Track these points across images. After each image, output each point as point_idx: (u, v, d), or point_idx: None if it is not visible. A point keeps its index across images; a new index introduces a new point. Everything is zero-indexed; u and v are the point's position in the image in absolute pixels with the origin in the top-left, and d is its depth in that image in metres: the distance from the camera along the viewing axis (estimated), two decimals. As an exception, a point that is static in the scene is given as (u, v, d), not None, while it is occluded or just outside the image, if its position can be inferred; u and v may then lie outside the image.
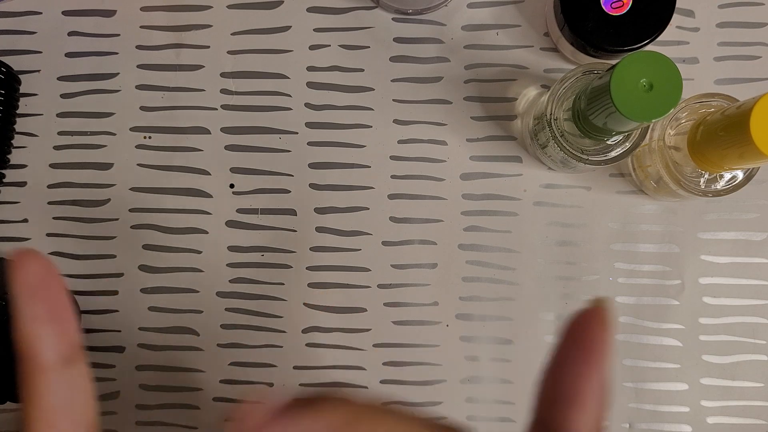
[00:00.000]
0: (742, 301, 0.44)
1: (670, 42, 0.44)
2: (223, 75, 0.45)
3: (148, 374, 0.45)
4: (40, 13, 0.45)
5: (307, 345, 0.44)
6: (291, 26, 0.45)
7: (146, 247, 0.45)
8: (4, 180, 0.45)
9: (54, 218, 0.45)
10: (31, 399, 0.23)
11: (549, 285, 0.44)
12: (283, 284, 0.45)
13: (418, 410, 0.41)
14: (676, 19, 0.43)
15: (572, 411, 0.19)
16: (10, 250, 0.45)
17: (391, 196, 0.44)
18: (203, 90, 0.45)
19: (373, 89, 0.45)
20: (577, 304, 0.44)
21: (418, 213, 0.44)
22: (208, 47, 0.45)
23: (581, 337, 0.20)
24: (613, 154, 0.37)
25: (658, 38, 0.40)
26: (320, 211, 0.45)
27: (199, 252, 0.45)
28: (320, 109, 0.45)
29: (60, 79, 0.45)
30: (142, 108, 0.45)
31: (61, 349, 0.23)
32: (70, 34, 0.45)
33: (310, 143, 0.45)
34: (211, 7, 0.45)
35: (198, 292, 0.45)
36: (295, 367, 0.45)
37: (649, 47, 0.40)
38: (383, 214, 0.44)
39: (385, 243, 0.44)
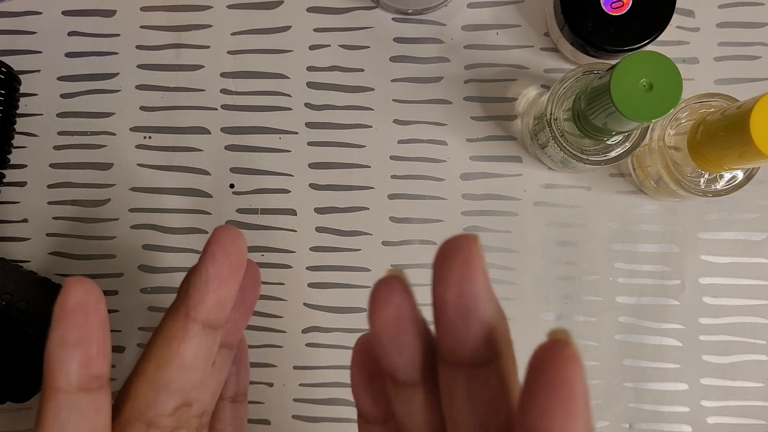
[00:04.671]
0: (742, 301, 0.44)
1: (670, 42, 0.44)
2: (223, 75, 0.45)
3: (148, 374, 0.45)
4: (40, 13, 0.45)
5: (307, 345, 0.44)
6: (291, 26, 0.45)
7: (146, 247, 0.45)
8: (4, 180, 0.45)
9: (54, 218, 0.45)
10: (40, 419, 0.23)
11: (549, 285, 0.44)
12: (283, 284, 0.44)
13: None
14: (676, 19, 0.43)
15: None
16: (9, 250, 0.45)
17: (391, 196, 0.44)
18: (203, 90, 0.45)
19: (373, 89, 0.45)
20: (577, 304, 0.44)
21: (418, 213, 0.44)
22: (208, 47, 0.45)
23: (553, 380, 0.17)
24: (613, 154, 0.37)
25: (658, 38, 0.40)
26: (320, 211, 0.45)
27: (199, 252, 0.44)
28: (320, 109, 0.45)
29: (60, 79, 0.45)
30: (142, 108, 0.45)
31: (80, 376, 0.23)
32: (70, 34, 0.45)
33: (310, 143, 0.45)
34: (211, 7, 0.45)
35: (198, 292, 0.45)
36: (295, 367, 0.45)
37: (649, 47, 0.40)
38: (383, 214, 0.44)
39: (385, 243, 0.44)
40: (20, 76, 0.45)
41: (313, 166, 0.45)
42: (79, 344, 0.23)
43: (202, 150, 0.45)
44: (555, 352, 0.17)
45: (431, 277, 0.20)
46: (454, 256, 0.19)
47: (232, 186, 0.45)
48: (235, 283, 0.27)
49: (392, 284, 0.21)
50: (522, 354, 0.44)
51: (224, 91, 0.45)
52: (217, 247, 0.26)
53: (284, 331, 0.45)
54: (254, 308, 0.31)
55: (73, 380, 0.23)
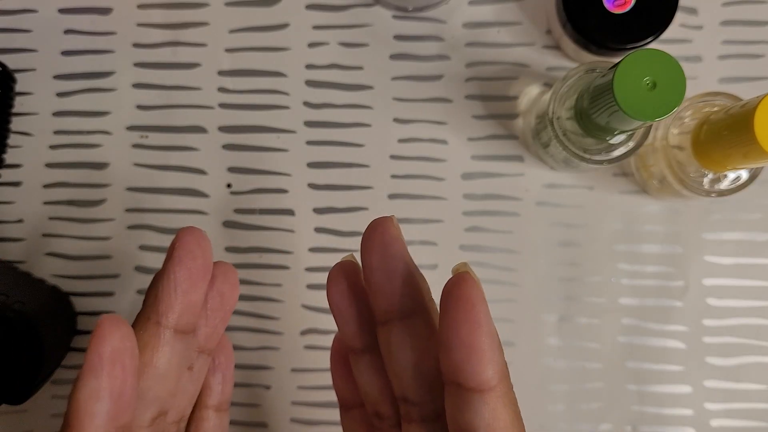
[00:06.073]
0: (747, 302, 0.43)
1: (674, 40, 0.43)
2: (221, 73, 0.44)
3: (145, 376, 0.44)
4: (36, 11, 0.45)
5: (306, 347, 0.44)
6: (289, 24, 0.44)
7: (142, 247, 0.44)
8: (0, 180, 0.44)
9: (50, 219, 0.44)
10: None
11: (551, 286, 0.44)
12: (281, 285, 0.44)
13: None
14: (679, 17, 0.43)
15: (473, 361, 0.21)
16: (4, 251, 0.44)
17: (391, 196, 0.44)
18: (200, 89, 0.44)
19: (373, 87, 0.44)
20: (579, 305, 0.43)
21: (418, 213, 0.44)
22: (206, 45, 0.44)
23: (457, 298, 0.21)
24: (616, 153, 0.36)
25: (662, 36, 0.39)
26: (319, 211, 0.44)
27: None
28: (319, 107, 0.44)
29: (56, 77, 0.45)
30: (139, 107, 0.44)
31: (107, 429, 0.22)
32: (66, 32, 0.45)
33: (308, 142, 0.44)
34: (208, 4, 0.44)
35: (195, 293, 0.44)
36: (293, 370, 0.44)
37: (652, 45, 0.40)
38: (383, 214, 0.44)
39: (384, 243, 0.44)
40: (15, 74, 0.44)
41: (311, 165, 0.44)
42: (112, 397, 0.22)
43: (198, 149, 0.44)
44: (456, 278, 0.21)
45: (360, 253, 0.24)
46: (374, 230, 0.24)
47: (229, 186, 0.44)
48: (203, 286, 0.27)
49: (345, 264, 0.26)
50: (524, 358, 0.44)
51: (221, 90, 0.44)
52: (182, 251, 0.26)
53: (282, 333, 0.44)
54: (232, 312, 0.31)
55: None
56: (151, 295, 0.26)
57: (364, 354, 0.26)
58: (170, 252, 0.26)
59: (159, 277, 0.26)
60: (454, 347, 0.21)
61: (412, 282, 0.24)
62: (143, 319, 0.26)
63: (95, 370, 0.22)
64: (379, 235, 0.23)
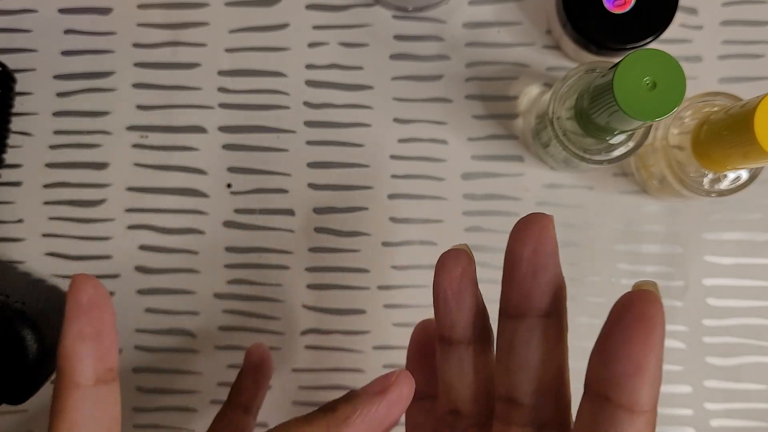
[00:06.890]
0: (747, 302, 0.43)
1: (674, 40, 0.43)
2: (221, 73, 0.44)
3: (145, 376, 0.44)
4: (36, 11, 0.45)
5: (306, 347, 0.44)
6: (289, 24, 0.44)
7: (142, 247, 0.44)
8: (0, 180, 0.44)
9: (50, 218, 0.44)
10: (59, 413, 0.24)
11: (550, 286, 0.44)
12: (281, 285, 0.44)
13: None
14: (679, 17, 0.43)
15: (636, 380, 0.20)
16: (5, 251, 0.44)
17: (391, 196, 0.44)
18: (200, 89, 0.44)
19: (373, 87, 0.44)
20: (579, 305, 0.43)
21: (418, 213, 0.44)
22: (206, 45, 0.44)
23: (639, 316, 0.20)
24: (616, 153, 0.36)
25: (662, 36, 0.39)
26: (319, 211, 0.44)
27: (196, 253, 0.44)
28: (319, 107, 0.44)
29: (56, 77, 0.45)
30: (139, 107, 0.44)
31: (96, 369, 0.24)
32: (66, 32, 0.45)
33: (308, 142, 0.44)
34: (208, 4, 0.44)
35: (195, 293, 0.44)
36: (293, 370, 0.44)
37: (652, 45, 0.40)
38: (383, 214, 0.44)
39: (384, 244, 0.44)
40: (15, 74, 0.44)
41: (311, 165, 0.44)
42: (95, 338, 0.24)
43: (198, 149, 0.44)
44: (641, 295, 0.20)
45: (508, 239, 0.23)
46: (533, 223, 0.23)
47: (229, 186, 0.44)
48: (265, 386, 0.40)
49: (460, 251, 0.25)
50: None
51: (221, 90, 0.44)
52: (251, 361, 0.40)
53: (282, 333, 0.44)
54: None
55: (91, 373, 0.24)
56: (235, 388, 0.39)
57: (460, 346, 0.25)
58: (249, 359, 0.40)
59: (240, 375, 0.40)
60: (620, 359, 0.20)
61: (557, 284, 0.23)
62: (227, 408, 0.39)
63: (76, 316, 0.24)
64: (537, 228, 0.23)
